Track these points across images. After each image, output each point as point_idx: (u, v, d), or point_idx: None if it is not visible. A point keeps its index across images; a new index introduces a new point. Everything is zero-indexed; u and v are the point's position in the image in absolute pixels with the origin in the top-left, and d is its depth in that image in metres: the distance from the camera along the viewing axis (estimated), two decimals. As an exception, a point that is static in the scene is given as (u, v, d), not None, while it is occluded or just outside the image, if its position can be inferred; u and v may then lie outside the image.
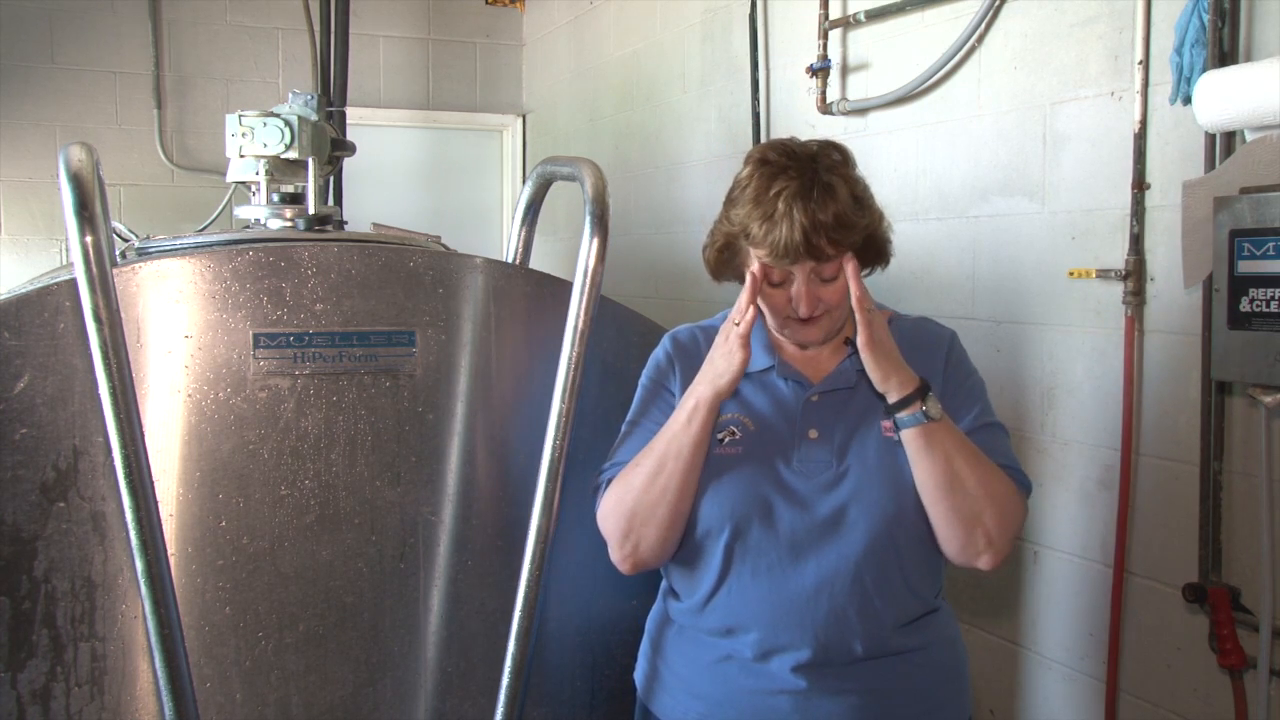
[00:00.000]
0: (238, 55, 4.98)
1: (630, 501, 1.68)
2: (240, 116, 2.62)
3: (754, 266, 1.63)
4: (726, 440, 1.69)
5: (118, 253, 2.27)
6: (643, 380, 1.83)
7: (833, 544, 1.63)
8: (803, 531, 1.64)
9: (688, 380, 1.73)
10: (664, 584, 1.84)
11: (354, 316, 1.89)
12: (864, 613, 1.63)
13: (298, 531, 1.87)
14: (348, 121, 4.30)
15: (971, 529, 1.60)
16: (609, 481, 1.75)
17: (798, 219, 1.57)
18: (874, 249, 1.71)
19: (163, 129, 4.86)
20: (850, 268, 1.61)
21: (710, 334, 1.79)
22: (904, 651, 1.68)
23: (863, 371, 1.67)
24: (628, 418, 1.82)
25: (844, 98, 3.16)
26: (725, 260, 1.73)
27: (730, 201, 1.69)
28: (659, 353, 1.84)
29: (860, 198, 1.66)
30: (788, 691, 1.65)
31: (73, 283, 1.65)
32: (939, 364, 1.73)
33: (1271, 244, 1.87)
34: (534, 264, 2.25)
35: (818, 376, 1.72)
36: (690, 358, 1.79)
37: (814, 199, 1.58)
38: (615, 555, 1.73)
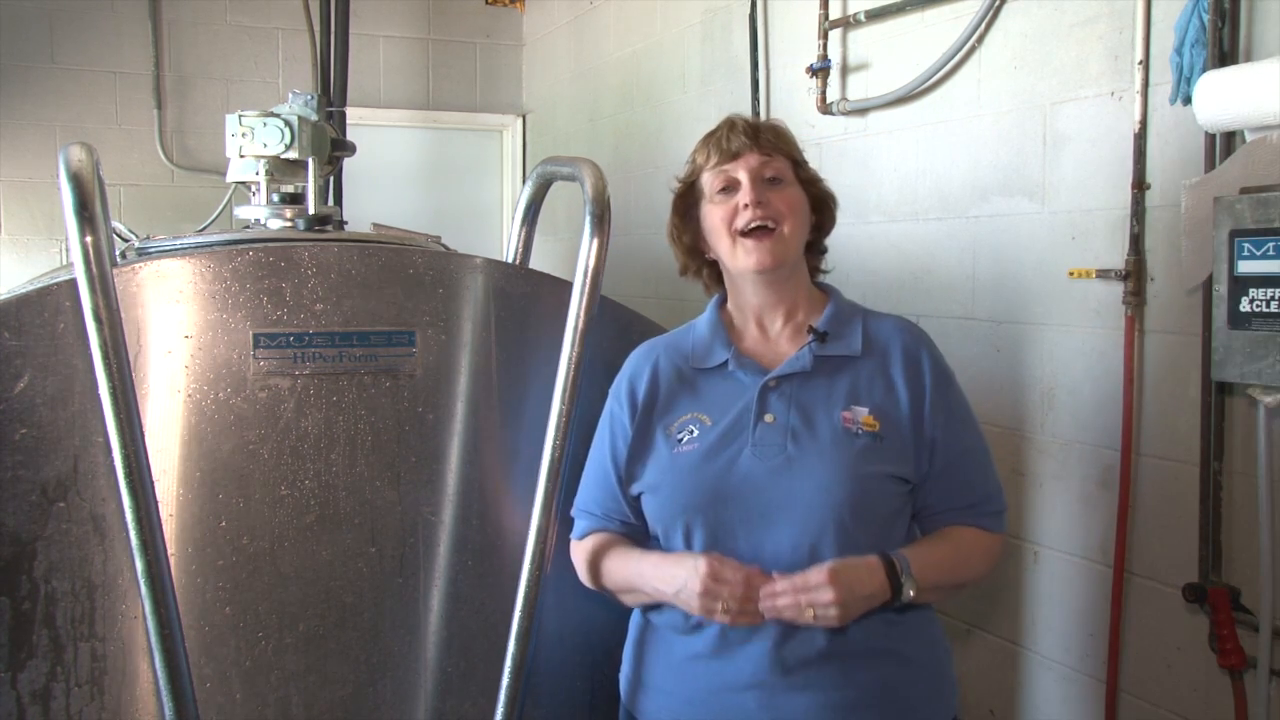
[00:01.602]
0: (238, 55, 4.98)
1: (602, 581, 1.80)
2: (240, 116, 2.62)
3: (706, 196, 1.75)
4: (685, 440, 1.72)
5: (118, 253, 2.27)
6: (607, 407, 1.84)
7: (787, 529, 1.64)
8: (756, 516, 1.65)
9: (649, 400, 1.78)
10: None
11: (354, 316, 1.89)
12: None
13: (298, 531, 1.87)
14: (348, 121, 4.30)
15: (960, 590, 1.81)
16: (581, 528, 1.84)
17: (739, 122, 1.75)
18: (820, 192, 1.80)
19: (163, 129, 4.86)
20: None
21: (672, 346, 1.83)
22: (876, 654, 1.67)
23: (820, 357, 1.72)
24: (591, 451, 1.84)
25: (844, 98, 3.16)
26: (682, 210, 1.81)
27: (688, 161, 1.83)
28: (621, 383, 1.84)
29: (800, 158, 1.80)
30: (754, 687, 1.66)
31: (73, 283, 1.65)
32: (920, 375, 1.73)
33: (1271, 244, 1.87)
34: (534, 264, 2.25)
35: (776, 364, 1.74)
36: (655, 378, 1.80)
37: (755, 118, 1.78)
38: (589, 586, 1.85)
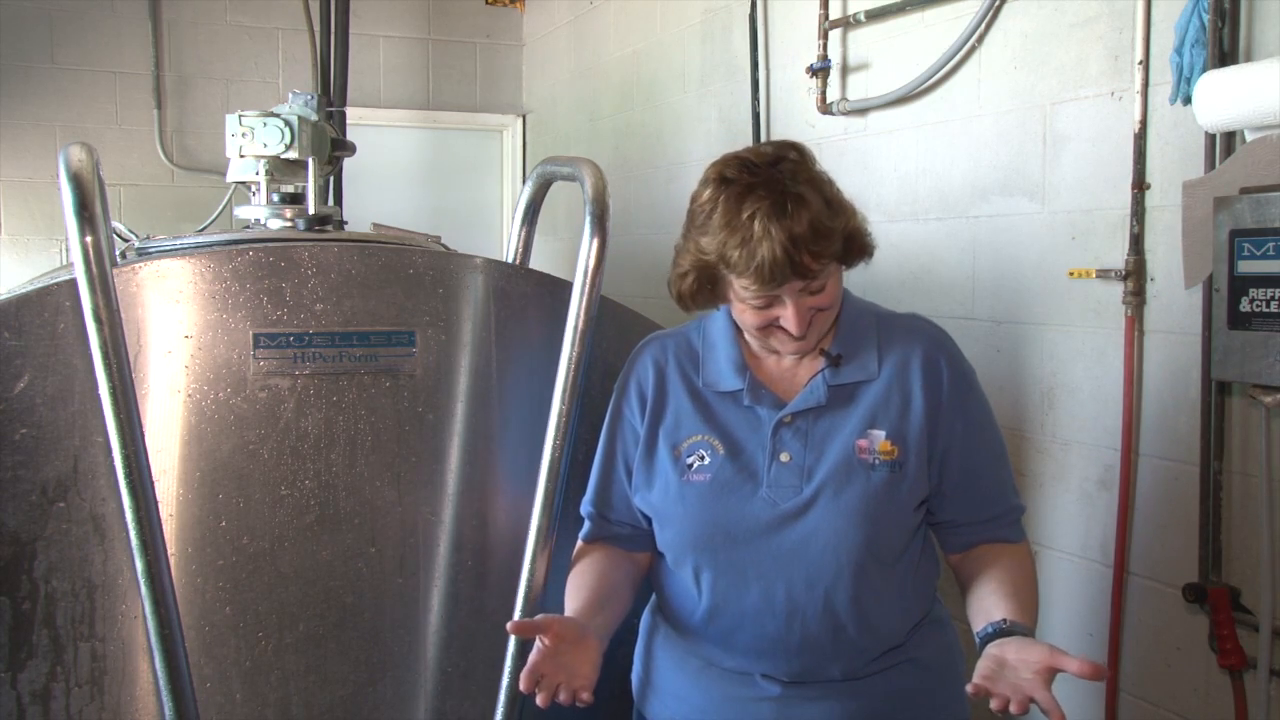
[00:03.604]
0: (238, 55, 4.98)
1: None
2: (240, 116, 2.62)
3: (737, 295, 1.59)
4: (695, 466, 1.66)
5: (118, 253, 2.27)
6: (611, 405, 1.79)
7: (801, 571, 1.60)
8: (769, 560, 1.61)
9: (658, 406, 1.72)
10: (653, 592, 1.83)
11: (354, 316, 1.89)
12: (838, 640, 1.61)
13: (298, 531, 1.87)
14: (348, 121, 4.30)
15: None
16: (590, 532, 1.78)
17: (776, 237, 1.49)
18: (855, 247, 1.61)
19: (163, 129, 4.86)
20: None
21: (682, 350, 1.75)
22: (888, 669, 1.66)
23: (834, 386, 1.64)
24: (600, 450, 1.79)
25: (844, 98, 3.16)
26: (704, 291, 1.64)
27: (697, 228, 1.61)
28: (629, 383, 1.77)
29: (831, 200, 1.57)
30: (770, 699, 1.65)
31: (73, 283, 1.65)
32: (938, 382, 1.65)
33: (1271, 244, 1.87)
34: (534, 264, 2.25)
35: (791, 394, 1.66)
36: (662, 384, 1.74)
37: (788, 214, 1.50)
38: None
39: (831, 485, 1.60)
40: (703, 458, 1.66)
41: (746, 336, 1.69)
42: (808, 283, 1.55)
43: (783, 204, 1.51)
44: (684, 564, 1.68)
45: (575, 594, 1.68)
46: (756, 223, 1.51)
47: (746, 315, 1.61)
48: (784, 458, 1.62)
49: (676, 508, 1.66)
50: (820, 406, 1.64)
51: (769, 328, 1.60)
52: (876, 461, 1.61)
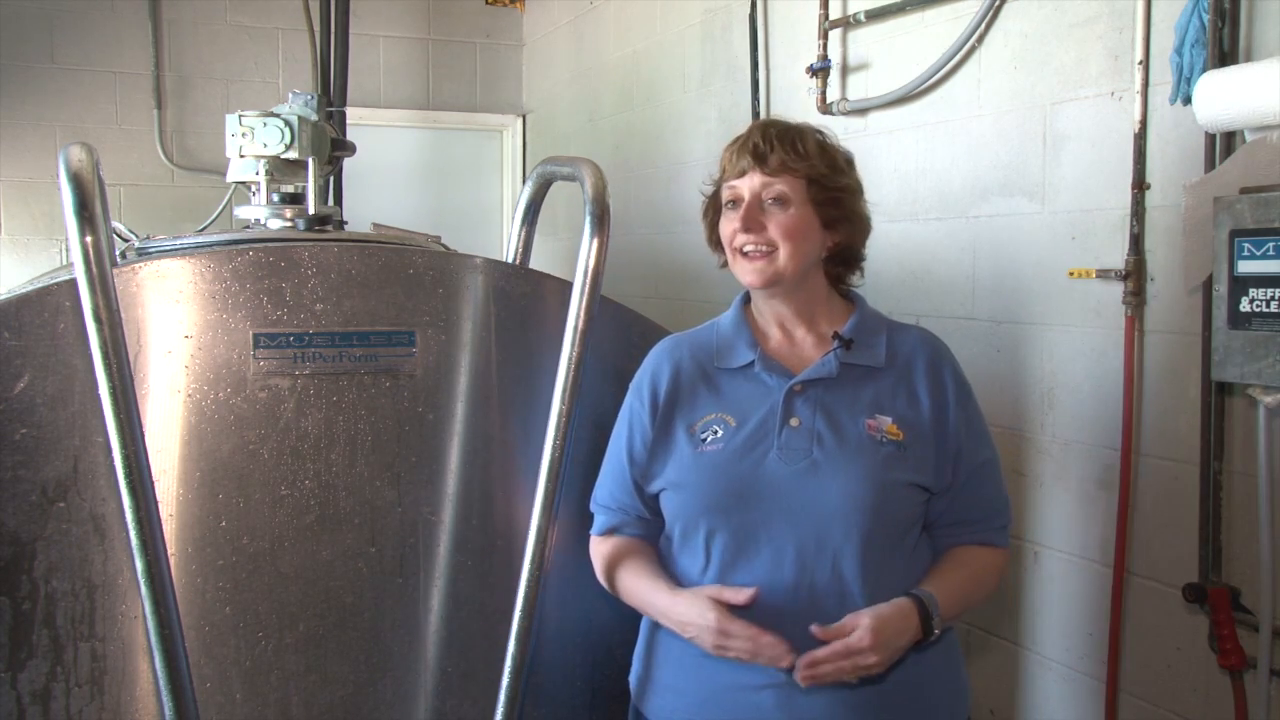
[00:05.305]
0: (238, 55, 4.98)
1: (617, 592, 1.81)
2: (240, 116, 2.62)
3: (722, 201, 1.76)
4: (709, 439, 1.72)
5: (118, 253, 2.27)
6: (626, 401, 1.85)
7: (812, 531, 1.65)
8: (780, 519, 1.66)
9: (671, 397, 1.78)
10: None
11: (354, 316, 1.89)
12: (844, 607, 1.63)
13: (298, 531, 1.87)
14: (348, 121, 4.30)
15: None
16: (600, 524, 1.84)
17: (755, 137, 1.73)
18: (842, 211, 1.76)
19: (163, 129, 4.86)
20: None
21: (696, 343, 1.83)
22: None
23: (845, 365, 1.72)
24: (610, 443, 1.85)
25: (844, 98, 3.16)
26: (713, 219, 1.82)
27: None
28: (643, 378, 1.84)
29: (833, 160, 1.76)
30: (771, 686, 1.65)
31: (73, 283, 1.65)
32: (943, 388, 1.74)
33: (1271, 244, 1.87)
34: (534, 264, 2.25)
35: (800, 369, 1.74)
36: (677, 374, 1.80)
37: (781, 122, 1.77)
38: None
39: (841, 450, 1.67)
40: (716, 432, 1.73)
41: (731, 266, 1.77)
42: (766, 180, 1.71)
43: (773, 121, 1.79)
44: (696, 531, 1.71)
45: (652, 587, 1.74)
46: (750, 127, 1.78)
47: (724, 224, 1.76)
48: (794, 422, 1.70)
49: (690, 475, 1.72)
50: (831, 379, 1.72)
51: (734, 251, 1.74)
52: (884, 439, 1.69)
